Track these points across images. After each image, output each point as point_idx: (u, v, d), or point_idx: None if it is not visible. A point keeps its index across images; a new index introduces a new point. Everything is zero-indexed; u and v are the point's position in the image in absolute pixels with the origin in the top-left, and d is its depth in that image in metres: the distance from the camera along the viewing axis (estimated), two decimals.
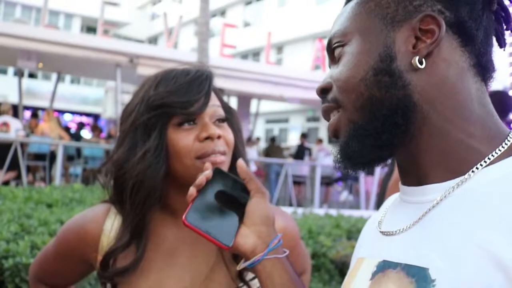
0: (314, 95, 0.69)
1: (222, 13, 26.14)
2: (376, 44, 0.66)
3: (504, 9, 0.70)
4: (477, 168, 0.62)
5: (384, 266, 0.65)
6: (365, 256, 0.73)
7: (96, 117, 21.78)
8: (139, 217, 1.04)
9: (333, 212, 5.49)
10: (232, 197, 0.85)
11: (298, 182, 10.60)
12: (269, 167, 11.03)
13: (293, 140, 20.44)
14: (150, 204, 1.03)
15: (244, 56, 23.83)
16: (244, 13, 25.42)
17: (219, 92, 1.13)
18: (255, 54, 23.87)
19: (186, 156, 1.01)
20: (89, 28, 26.52)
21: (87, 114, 23.47)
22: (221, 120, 1.08)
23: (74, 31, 23.92)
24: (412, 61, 0.64)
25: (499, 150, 0.63)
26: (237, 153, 1.09)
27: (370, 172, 10.17)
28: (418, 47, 0.64)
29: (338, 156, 0.70)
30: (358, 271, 0.72)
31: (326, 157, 11.43)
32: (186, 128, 1.03)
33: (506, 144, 0.63)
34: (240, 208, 0.83)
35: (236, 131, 1.12)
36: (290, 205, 9.04)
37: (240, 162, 0.86)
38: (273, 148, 12.27)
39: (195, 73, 1.06)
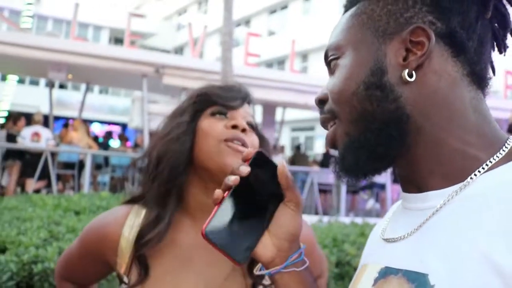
0: None
1: (247, 22, 26.32)
2: (367, 57, 0.67)
3: (502, 13, 0.70)
4: (475, 174, 0.62)
5: (386, 272, 0.66)
6: (368, 263, 0.74)
7: (123, 126, 22.12)
8: (161, 198, 1.08)
9: (358, 220, 5.44)
10: (262, 201, 0.77)
11: (324, 190, 10.53)
12: (294, 175, 10.94)
13: (319, 148, 20.33)
14: (172, 183, 1.08)
15: (269, 64, 23.90)
16: (268, 22, 25.53)
17: (254, 111, 1.23)
18: (280, 63, 23.92)
19: (213, 137, 1.08)
20: (117, 39, 27.05)
21: (115, 123, 23.88)
22: (251, 126, 1.16)
23: (102, 43, 24.46)
24: (402, 75, 0.64)
25: (497, 156, 0.63)
26: None
27: (396, 180, 10.05)
28: (408, 60, 0.65)
29: (336, 167, 0.71)
30: (361, 277, 0.73)
31: None
32: (218, 117, 1.12)
33: (504, 150, 0.63)
34: (267, 211, 0.76)
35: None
36: (316, 213, 8.99)
37: (282, 165, 0.76)
38: (298, 156, 12.23)
39: (237, 84, 1.21)
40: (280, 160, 0.78)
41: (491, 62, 0.71)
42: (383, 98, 0.65)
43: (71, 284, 1.26)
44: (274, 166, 0.76)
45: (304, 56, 22.91)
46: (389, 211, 0.85)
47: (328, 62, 0.74)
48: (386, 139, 0.65)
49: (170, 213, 1.08)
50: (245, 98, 1.18)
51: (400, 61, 0.65)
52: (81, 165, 9.49)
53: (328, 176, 10.53)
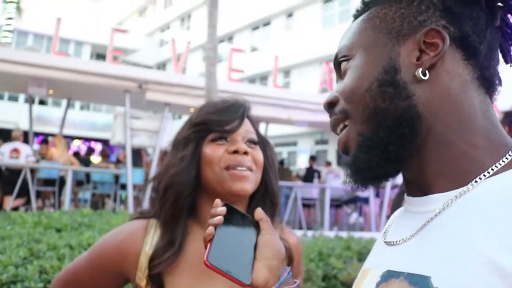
0: (322, 118, 0.73)
1: (230, 38, 26.45)
2: (380, 57, 0.68)
3: (508, 25, 0.71)
4: (480, 178, 0.62)
5: (388, 276, 0.66)
6: (370, 267, 0.74)
7: (105, 142, 21.91)
8: (171, 221, 1.15)
9: (343, 234, 5.43)
10: (244, 233, 0.91)
11: (308, 205, 10.53)
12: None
13: (302, 163, 20.38)
14: (178, 207, 1.15)
15: (252, 80, 24.00)
16: (251, 38, 25.71)
17: (255, 122, 1.28)
18: (263, 78, 24.04)
19: (215, 164, 1.15)
20: (99, 55, 26.91)
21: (96, 140, 23.63)
22: (253, 143, 1.21)
23: (84, 58, 24.29)
24: (416, 73, 0.65)
25: (502, 161, 0.63)
26: (267, 180, 1.23)
27: (376, 194, 10.11)
28: (422, 59, 0.66)
29: (349, 170, 0.70)
30: (363, 282, 0.73)
31: (335, 179, 11.36)
32: (219, 143, 1.18)
33: (510, 155, 0.64)
34: (251, 243, 0.89)
35: (269, 161, 1.26)
36: (300, 228, 8.96)
37: (259, 210, 0.96)
38: (282, 171, 12.23)
39: (233, 101, 1.24)
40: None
41: (498, 73, 0.72)
42: (396, 95, 0.66)
43: None
44: (239, 212, 0.94)
45: (287, 72, 23.06)
46: (392, 215, 0.85)
47: (338, 64, 0.75)
48: (398, 137, 0.66)
49: (180, 236, 1.15)
50: (243, 116, 1.22)
51: (413, 61, 0.66)
52: (62, 181, 9.34)
53: (312, 190, 10.55)
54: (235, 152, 1.15)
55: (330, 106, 0.74)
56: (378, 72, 0.67)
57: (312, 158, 12.76)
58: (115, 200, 10.08)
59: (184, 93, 9.25)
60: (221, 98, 1.29)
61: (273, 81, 12.34)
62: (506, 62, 0.74)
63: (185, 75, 13.20)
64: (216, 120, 1.18)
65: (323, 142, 20.35)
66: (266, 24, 24.89)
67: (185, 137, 1.21)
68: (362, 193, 10.72)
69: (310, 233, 5.71)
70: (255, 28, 25.68)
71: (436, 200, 0.65)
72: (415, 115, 0.65)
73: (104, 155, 11.72)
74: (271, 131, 15.24)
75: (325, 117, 0.77)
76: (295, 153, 23.13)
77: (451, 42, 0.66)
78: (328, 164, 12.99)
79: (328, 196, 9.65)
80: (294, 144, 23.15)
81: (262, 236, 0.90)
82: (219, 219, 0.87)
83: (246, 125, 1.22)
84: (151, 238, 1.16)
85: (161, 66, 30.89)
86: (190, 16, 30.15)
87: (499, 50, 0.72)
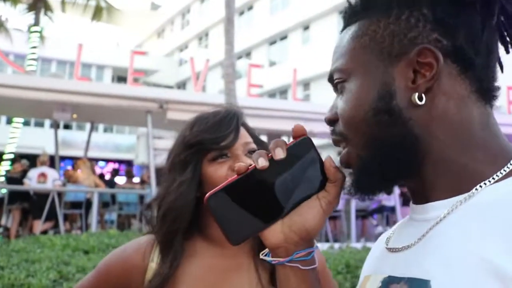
0: None
1: (247, 54, 26.65)
2: (374, 82, 0.66)
3: (508, 14, 0.68)
4: (480, 186, 0.62)
5: (389, 282, 0.66)
6: (371, 273, 0.74)
7: (129, 163, 22.18)
8: (169, 244, 1.11)
9: (371, 245, 5.35)
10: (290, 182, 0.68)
11: (333, 216, 10.42)
12: None
13: None
14: (176, 232, 1.11)
15: (272, 94, 24.07)
16: (268, 53, 25.85)
17: (250, 128, 1.22)
18: (282, 92, 24.08)
19: (216, 183, 1.06)
20: (120, 78, 27.39)
21: (120, 161, 23.96)
22: (253, 152, 1.12)
23: (105, 81, 24.79)
24: (412, 98, 0.64)
25: (504, 170, 0.62)
26: None
27: (406, 203, 9.94)
28: (418, 83, 0.64)
29: (351, 189, 0.70)
30: None
31: None
32: (220, 161, 1.13)
33: (511, 164, 0.63)
34: (288, 201, 0.68)
35: None
36: (327, 240, 8.87)
37: (329, 159, 0.70)
38: None
39: (224, 112, 1.18)
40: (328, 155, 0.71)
41: (499, 59, 0.70)
42: (392, 123, 0.65)
43: None
44: (317, 156, 0.70)
45: (306, 85, 23.07)
46: (396, 223, 0.84)
47: (334, 84, 0.74)
48: (396, 161, 0.65)
49: (171, 260, 1.11)
50: (238, 127, 1.16)
51: (409, 84, 0.64)
52: (88, 204, 9.47)
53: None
54: None
55: (330, 122, 0.73)
56: (373, 99, 0.66)
57: None
58: (141, 220, 10.15)
59: (205, 111, 9.29)
60: (211, 110, 1.21)
61: (293, 95, 12.35)
62: (507, 52, 0.71)
63: (205, 93, 13.32)
64: (211, 138, 1.12)
65: None
66: (283, 38, 25.01)
67: (181, 160, 1.15)
68: (388, 202, 10.57)
69: (336, 245, 5.65)
70: (273, 42, 25.82)
71: (438, 207, 0.65)
72: (412, 139, 0.64)
73: (129, 176, 11.85)
74: None
75: None
76: None
77: (445, 58, 0.63)
78: None
79: (353, 206, 9.54)
80: None
81: (310, 203, 0.69)
82: (262, 165, 0.66)
83: (243, 135, 1.17)
84: (157, 253, 1.15)
85: (181, 85, 31.24)
86: (207, 34, 30.51)
87: (500, 43, 0.70)
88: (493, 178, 0.62)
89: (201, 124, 1.16)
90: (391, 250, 0.71)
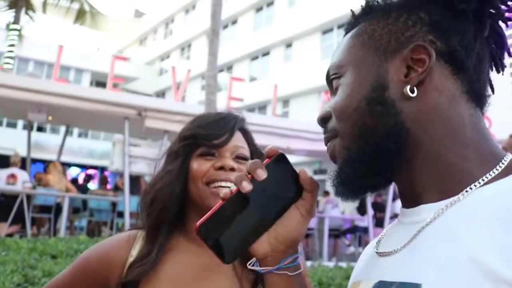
0: (320, 147, 0.72)
1: (229, 68, 26.71)
2: (369, 75, 0.69)
3: (498, 34, 0.72)
4: (471, 188, 0.63)
5: (380, 287, 0.66)
6: (361, 279, 0.74)
7: (102, 170, 21.85)
8: (155, 233, 1.13)
9: (342, 264, 5.35)
10: (272, 195, 0.72)
11: (306, 234, 10.41)
12: None
13: None
14: (161, 222, 1.13)
15: (251, 109, 24.12)
16: (250, 68, 25.97)
17: (250, 136, 1.25)
18: (261, 108, 24.17)
19: (198, 180, 1.13)
20: (98, 83, 27.09)
21: (94, 167, 23.57)
22: (243, 158, 1.18)
23: (84, 85, 24.45)
24: (404, 90, 0.66)
25: (493, 172, 0.63)
26: None
27: (379, 224, 10.03)
28: (410, 76, 0.67)
29: (334, 181, 0.71)
30: None
31: (333, 209, 11.29)
32: (207, 158, 1.15)
33: (500, 166, 0.64)
34: (272, 211, 0.72)
35: None
36: None
37: (303, 170, 0.73)
38: None
39: (225, 114, 1.22)
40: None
41: (490, 81, 0.73)
42: (384, 113, 0.66)
43: None
44: (292, 169, 0.74)
45: (286, 101, 23.20)
46: (386, 227, 0.84)
47: (329, 82, 0.76)
48: (384, 153, 0.66)
49: (158, 247, 1.12)
50: (233, 129, 1.19)
51: (401, 78, 0.67)
52: (58, 208, 9.25)
53: (311, 220, 10.44)
54: (221, 168, 1.13)
55: (323, 121, 0.75)
56: (366, 90, 0.68)
57: None
58: (111, 228, 9.97)
59: (183, 121, 9.10)
60: (216, 111, 1.26)
61: (272, 110, 12.40)
62: (498, 71, 0.75)
63: (185, 103, 13.25)
64: (205, 134, 1.16)
65: (322, 171, 20.31)
66: (265, 54, 25.19)
67: (174, 150, 1.19)
68: (361, 223, 10.63)
69: (309, 263, 5.62)
70: (255, 58, 25.96)
71: (427, 210, 0.66)
72: (403, 131, 0.66)
73: (103, 182, 11.65)
74: None
75: (323, 146, 0.75)
76: None
77: (438, 57, 0.66)
78: (326, 193, 12.93)
79: (326, 226, 9.56)
80: None
81: (290, 212, 0.72)
82: (246, 187, 0.68)
83: (237, 139, 1.19)
84: (137, 249, 1.15)
85: (160, 94, 31.08)
86: (190, 45, 30.52)
87: (491, 60, 0.73)
88: (483, 180, 0.63)
89: (201, 121, 1.20)
90: (381, 254, 0.71)
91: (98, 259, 1.16)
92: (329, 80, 0.76)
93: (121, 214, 9.52)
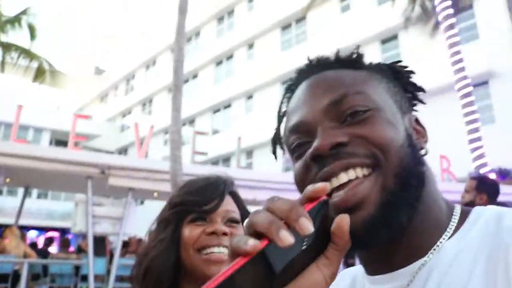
0: (286, 197, 0.52)
1: (191, 121, 26.80)
2: (399, 120, 0.68)
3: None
4: (437, 246, 0.63)
5: None
6: None
7: (63, 232, 21.03)
8: None
9: None
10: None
11: None
12: None
13: None
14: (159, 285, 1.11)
15: (215, 162, 24.07)
16: (212, 120, 26.14)
17: (239, 199, 1.25)
18: (225, 160, 24.16)
19: (189, 247, 1.12)
20: (58, 141, 26.56)
21: (54, 229, 22.67)
22: (234, 222, 1.18)
23: (43, 145, 23.88)
24: (423, 146, 0.71)
25: (453, 222, 0.66)
26: None
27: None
28: (418, 137, 0.72)
29: (368, 231, 0.59)
30: None
31: None
32: (198, 224, 1.14)
33: (455, 214, 0.67)
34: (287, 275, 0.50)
35: None
36: None
37: (345, 217, 0.54)
38: None
39: (213, 179, 1.22)
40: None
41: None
42: (418, 159, 0.67)
43: None
44: (331, 218, 0.54)
45: (249, 153, 23.30)
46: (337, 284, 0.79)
47: (352, 111, 0.65)
48: (415, 200, 0.64)
49: None
50: (223, 194, 1.19)
51: (415, 135, 0.70)
52: (16, 276, 8.75)
53: None
54: (213, 233, 1.12)
55: (338, 146, 0.62)
56: (403, 133, 0.66)
57: None
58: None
59: (148, 177, 9.13)
60: (204, 176, 1.26)
61: (237, 162, 12.40)
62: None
63: (149, 159, 13.09)
64: (194, 200, 1.16)
65: None
66: (227, 106, 25.48)
67: (165, 218, 1.19)
68: None
69: None
70: (216, 110, 26.20)
71: (401, 275, 0.64)
72: (424, 183, 0.66)
73: (64, 245, 11.16)
74: None
75: (289, 196, 0.53)
76: None
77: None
78: None
79: None
80: None
81: (314, 271, 0.52)
82: (289, 243, 0.46)
83: (227, 203, 1.19)
84: None
85: (123, 151, 30.71)
86: (151, 100, 30.59)
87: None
88: (448, 232, 0.65)
89: (190, 187, 1.20)
90: None
91: None
92: (343, 109, 0.66)
93: (85, 278, 9.09)
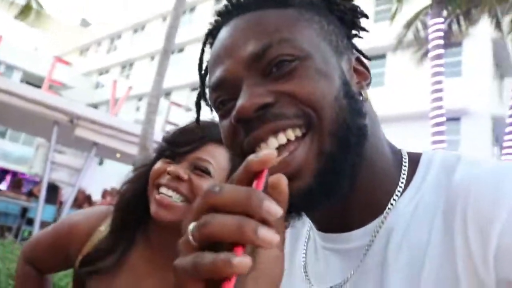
0: None
1: (167, 94, 26.55)
2: (333, 67, 0.60)
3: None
4: (391, 203, 0.61)
5: None
6: None
7: (14, 175, 20.53)
8: (117, 230, 1.15)
9: None
10: None
11: None
12: None
13: None
14: (125, 219, 1.16)
15: None
16: (188, 98, 25.96)
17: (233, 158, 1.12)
18: None
19: (151, 181, 1.12)
20: (29, 84, 25.82)
21: (6, 171, 22.11)
22: (203, 171, 1.10)
23: None
24: (363, 92, 0.63)
25: (403, 174, 0.63)
26: None
27: None
28: (361, 83, 0.65)
29: (303, 199, 0.56)
30: None
31: None
32: (167, 161, 1.13)
33: (405, 163, 0.64)
34: None
35: None
36: None
37: (280, 178, 0.45)
38: None
39: (207, 124, 1.12)
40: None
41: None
42: (358, 110, 0.59)
43: (32, 268, 1.28)
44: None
45: None
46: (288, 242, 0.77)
47: (276, 61, 0.58)
48: (356, 157, 0.59)
49: (120, 251, 1.14)
50: (201, 140, 1.12)
51: (355, 79, 0.63)
52: None
53: None
54: (169, 173, 1.08)
55: (263, 107, 0.56)
56: (338, 81, 0.59)
57: None
58: (16, 236, 9.26)
59: (115, 135, 8.98)
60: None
61: None
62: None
63: (119, 117, 12.94)
64: (173, 140, 1.15)
65: None
66: None
67: (149, 155, 1.24)
68: None
69: None
70: (194, 89, 26.03)
71: (359, 235, 0.62)
72: (366, 136, 0.60)
73: (16, 185, 10.92)
74: None
75: None
76: None
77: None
78: None
79: None
80: None
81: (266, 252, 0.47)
82: (274, 239, 0.39)
83: (207, 152, 1.11)
84: (103, 231, 1.19)
85: (93, 108, 30.16)
86: (132, 65, 30.11)
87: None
88: (400, 187, 0.62)
89: (180, 128, 1.19)
90: None
91: (68, 226, 1.22)
92: (267, 60, 0.58)
93: (30, 222, 8.92)
